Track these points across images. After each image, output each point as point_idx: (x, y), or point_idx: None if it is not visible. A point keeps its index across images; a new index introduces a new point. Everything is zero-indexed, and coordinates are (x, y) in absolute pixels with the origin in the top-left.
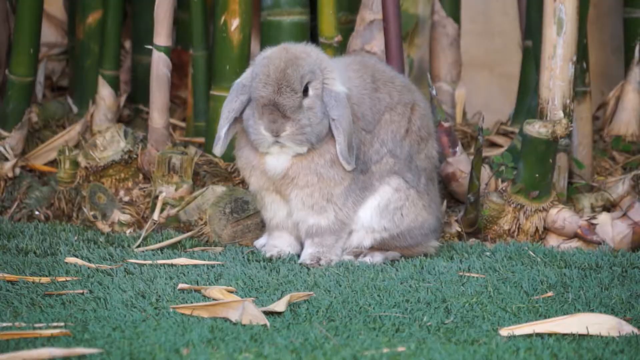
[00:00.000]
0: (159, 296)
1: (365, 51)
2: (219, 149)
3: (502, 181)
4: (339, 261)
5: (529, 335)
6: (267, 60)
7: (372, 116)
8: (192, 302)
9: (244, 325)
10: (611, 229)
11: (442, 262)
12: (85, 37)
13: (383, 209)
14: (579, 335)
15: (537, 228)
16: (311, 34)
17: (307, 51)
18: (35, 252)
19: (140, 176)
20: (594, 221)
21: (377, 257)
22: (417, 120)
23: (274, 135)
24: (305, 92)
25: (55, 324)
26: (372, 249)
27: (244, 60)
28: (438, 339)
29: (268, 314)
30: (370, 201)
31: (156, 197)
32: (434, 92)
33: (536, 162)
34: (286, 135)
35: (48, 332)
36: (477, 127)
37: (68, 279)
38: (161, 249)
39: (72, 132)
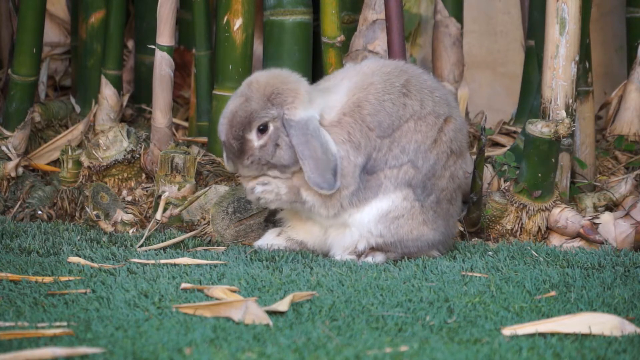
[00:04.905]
0: (162, 296)
1: (368, 51)
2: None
3: (505, 181)
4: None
5: (532, 335)
6: (232, 96)
7: (389, 123)
8: (194, 302)
9: (247, 324)
10: (614, 228)
11: (445, 261)
12: (88, 36)
13: (384, 215)
14: (582, 334)
15: (539, 227)
16: (314, 33)
17: (271, 86)
18: (38, 252)
19: (143, 176)
20: (596, 221)
21: (379, 257)
22: (450, 131)
23: (235, 171)
24: (263, 130)
25: (58, 323)
26: (373, 249)
27: (247, 59)
28: (441, 338)
29: (271, 313)
30: (378, 203)
31: (159, 197)
32: None
33: (539, 161)
34: (243, 168)
35: (51, 331)
36: (479, 127)
37: (71, 278)
38: (164, 248)
39: (75, 131)
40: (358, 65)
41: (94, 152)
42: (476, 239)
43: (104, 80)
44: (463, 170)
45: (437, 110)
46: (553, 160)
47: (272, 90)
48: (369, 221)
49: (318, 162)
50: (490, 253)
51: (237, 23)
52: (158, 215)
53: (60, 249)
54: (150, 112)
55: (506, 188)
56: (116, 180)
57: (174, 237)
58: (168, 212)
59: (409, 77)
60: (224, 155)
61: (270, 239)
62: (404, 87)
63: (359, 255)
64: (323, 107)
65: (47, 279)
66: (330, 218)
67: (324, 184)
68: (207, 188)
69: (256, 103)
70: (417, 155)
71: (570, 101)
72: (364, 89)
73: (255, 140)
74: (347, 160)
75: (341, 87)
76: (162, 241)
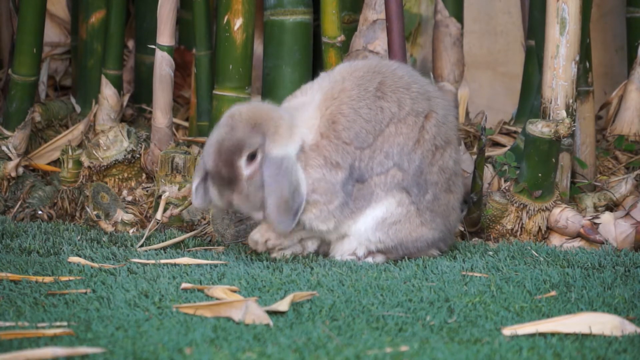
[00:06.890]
0: (162, 296)
1: (368, 51)
2: (194, 202)
3: (505, 181)
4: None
5: (532, 335)
6: (214, 128)
7: (369, 130)
8: (195, 302)
9: (247, 324)
10: (614, 228)
11: (445, 261)
12: (89, 36)
13: (380, 222)
14: (582, 334)
15: (540, 227)
16: (314, 33)
17: (254, 116)
18: (38, 252)
19: (144, 176)
20: (596, 221)
21: (379, 258)
22: (432, 128)
23: (225, 204)
24: (251, 158)
25: (58, 323)
26: (373, 252)
27: (247, 59)
28: (441, 338)
29: (271, 313)
30: (372, 211)
31: (159, 197)
32: None
33: (539, 161)
34: (236, 205)
35: (51, 331)
36: (479, 127)
37: (71, 278)
38: (164, 248)
39: (75, 131)
40: (330, 71)
41: (94, 152)
42: (476, 239)
43: (104, 80)
44: (453, 159)
45: (416, 109)
46: (553, 160)
47: (255, 121)
48: (366, 230)
49: (281, 200)
50: (490, 253)
51: (238, 23)
52: (158, 215)
53: (61, 249)
54: (151, 112)
55: (506, 188)
56: (116, 180)
57: (174, 237)
58: (168, 212)
59: (383, 79)
60: (214, 189)
61: None
62: (378, 90)
63: (360, 257)
64: (304, 133)
65: (48, 279)
66: (332, 232)
67: (281, 223)
68: None
69: (242, 132)
70: (402, 157)
71: (571, 101)
72: (335, 98)
73: (244, 167)
74: (324, 181)
75: (314, 101)
76: (163, 241)
